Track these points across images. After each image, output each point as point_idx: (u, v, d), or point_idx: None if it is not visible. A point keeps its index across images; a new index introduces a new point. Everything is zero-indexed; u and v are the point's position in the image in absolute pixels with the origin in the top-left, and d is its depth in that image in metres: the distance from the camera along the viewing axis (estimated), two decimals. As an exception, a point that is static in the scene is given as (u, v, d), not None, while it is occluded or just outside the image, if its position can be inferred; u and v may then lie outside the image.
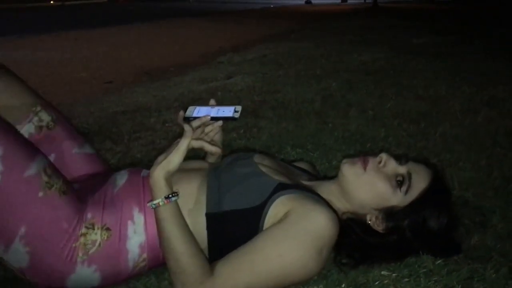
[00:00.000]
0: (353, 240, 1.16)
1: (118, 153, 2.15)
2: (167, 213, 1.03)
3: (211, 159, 1.33)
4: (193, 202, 1.14)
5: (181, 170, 1.10)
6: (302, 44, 6.40)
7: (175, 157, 1.05)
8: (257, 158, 1.26)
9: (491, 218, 1.40)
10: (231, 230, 1.11)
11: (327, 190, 1.23)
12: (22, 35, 8.34)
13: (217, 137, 1.23)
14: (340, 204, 1.20)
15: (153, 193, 1.05)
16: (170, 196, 1.03)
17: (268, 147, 2.12)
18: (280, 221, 1.07)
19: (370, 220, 1.17)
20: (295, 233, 1.04)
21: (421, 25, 9.35)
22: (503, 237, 1.30)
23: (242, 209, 1.11)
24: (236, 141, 2.24)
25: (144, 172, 1.26)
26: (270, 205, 1.10)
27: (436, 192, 1.15)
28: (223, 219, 1.11)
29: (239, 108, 1.14)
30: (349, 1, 19.36)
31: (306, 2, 18.67)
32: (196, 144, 1.10)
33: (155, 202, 1.03)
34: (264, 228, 1.09)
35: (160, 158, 1.06)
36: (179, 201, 1.07)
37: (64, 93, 3.75)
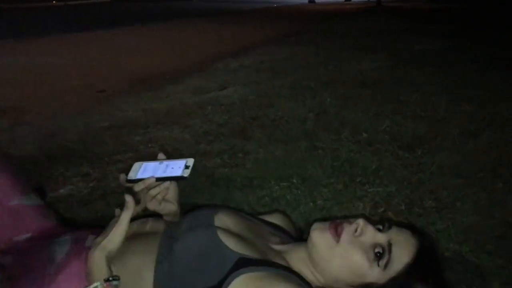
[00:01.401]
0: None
1: (92, 181, 2.04)
2: None
3: (168, 217, 1.16)
4: (138, 279, 0.97)
5: (131, 236, 0.96)
6: (301, 49, 6.24)
7: (115, 235, 0.91)
8: (218, 221, 1.09)
9: (491, 283, 1.22)
10: None
11: (298, 258, 1.06)
12: (20, 37, 8.21)
13: (171, 194, 1.07)
14: (312, 277, 1.04)
15: (91, 276, 0.89)
16: (111, 279, 0.87)
17: (251, 179, 1.95)
18: None
19: None
20: None
21: (423, 28, 9.17)
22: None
23: None
24: (219, 169, 2.09)
25: (89, 240, 1.09)
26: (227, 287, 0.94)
27: (422, 269, 0.98)
28: None
29: (190, 162, 1.00)
30: (352, 0, 19.11)
31: (310, 1, 18.43)
32: (141, 208, 0.95)
33: (92, 286, 0.87)
34: None
35: (99, 238, 0.92)
36: (122, 277, 0.91)
37: (54, 104, 3.60)
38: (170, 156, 1.09)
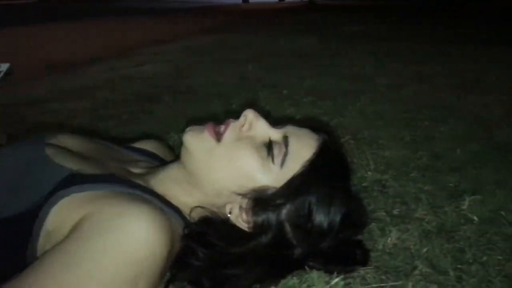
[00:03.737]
0: (202, 254, 0.72)
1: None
2: None
3: None
4: None
5: None
6: (231, 35, 5.98)
7: None
8: (53, 139, 0.80)
9: (416, 209, 1.00)
10: None
11: (165, 177, 0.79)
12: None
13: None
14: (186, 196, 0.77)
15: None
16: None
17: (148, 134, 1.65)
18: (65, 238, 0.63)
19: (230, 213, 0.75)
20: (88, 260, 0.60)
21: (356, 18, 9.23)
22: (432, 235, 0.90)
23: (4, 219, 0.66)
24: (114, 129, 1.77)
25: None
26: (49, 209, 0.65)
27: (328, 165, 0.74)
28: None
29: (4, 67, 0.84)
30: (286, 0, 19.23)
31: (244, 1, 18.32)
32: None
33: None
34: (38, 252, 0.65)
35: None
36: None
37: None
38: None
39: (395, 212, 0.99)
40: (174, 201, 0.75)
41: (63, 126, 1.83)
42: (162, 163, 0.94)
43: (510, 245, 0.86)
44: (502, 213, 0.96)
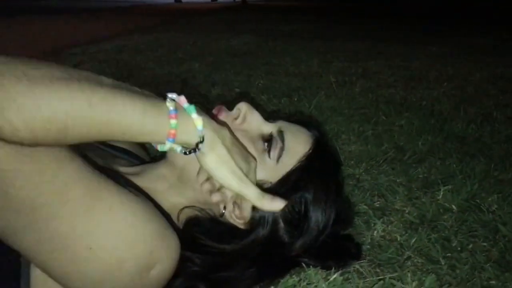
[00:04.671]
0: (197, 258, 0.68)
1: None
2: None
3: None
4: None
5: None
6: (168, 34, 5.85)
7: None
8: None
9: (394, 201, 1.01)
10: None
11: (153, 176, 0.74)
12: None
13: None
14: (177, 196, 0.72)
15: None
16: None
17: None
18: None
19: (225, 209, 0.70)
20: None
21: (291, 17, 9.37)
22: (415, 225, 0.91)
23: None
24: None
25: None
26: None
27: (322, 161, 0.72)
28: None
29: None
30: (218, 0, 19.21)
31: (176, 1, 18.07)
32: None
33: None
34: None
35: None
36: None
37: None
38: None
39: (376, 205, 0.99)
40: (164, 203, 0.70)
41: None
42: (141, 161, 0.88)
43: (490, 231, 0.88)
44: (477, 201, 0.99)
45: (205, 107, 0.74)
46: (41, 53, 4.00)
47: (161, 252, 0.60)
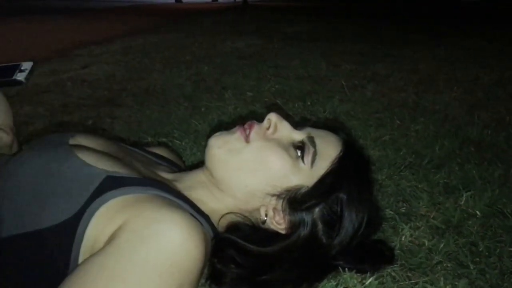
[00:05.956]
0: (240, 260, 0.71)
1: None
2: None
3: (3, 150, 0.79)
4: None
5: None
6: (173, 34, 5.87)
7: None
8: (75, 141, 0.75)
9: (419, 206, 1.04)
10: (15, 271, 0.61)
11: (194, 183, 0.77)
12: None
13: (3, 118, 0.76)
14: (216, 203, 0.76)
15: None
16: None
17: (122, 139, 1.59)
18: (104, 248, 0.59)
19: (266, 215, 0.74)
20: (132, 274, 0.57)
21: (291, 18, 9.39)
22: (441, 231, 0.94)
23: (35, 232, 0.61)
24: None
25: None
26: (90, 217, 0.61)
27: (354, 162, 0.76)
28: None
29: (27, 65, 0.78)
30: (219, 0, 19.23)
31: (177, 1, 18.09)
32: None
33: None
34: (79, 260, 0.61)
35: None
36: None
37: None
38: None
39: (402, 210, 1.02)
40: (204, 208, 0.73)
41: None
42: (178, 168, 0.91)
43: (515, 236, 0.91)
44: (499, 207, 1.02)
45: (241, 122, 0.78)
46: (42, 54, 4.03)
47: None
